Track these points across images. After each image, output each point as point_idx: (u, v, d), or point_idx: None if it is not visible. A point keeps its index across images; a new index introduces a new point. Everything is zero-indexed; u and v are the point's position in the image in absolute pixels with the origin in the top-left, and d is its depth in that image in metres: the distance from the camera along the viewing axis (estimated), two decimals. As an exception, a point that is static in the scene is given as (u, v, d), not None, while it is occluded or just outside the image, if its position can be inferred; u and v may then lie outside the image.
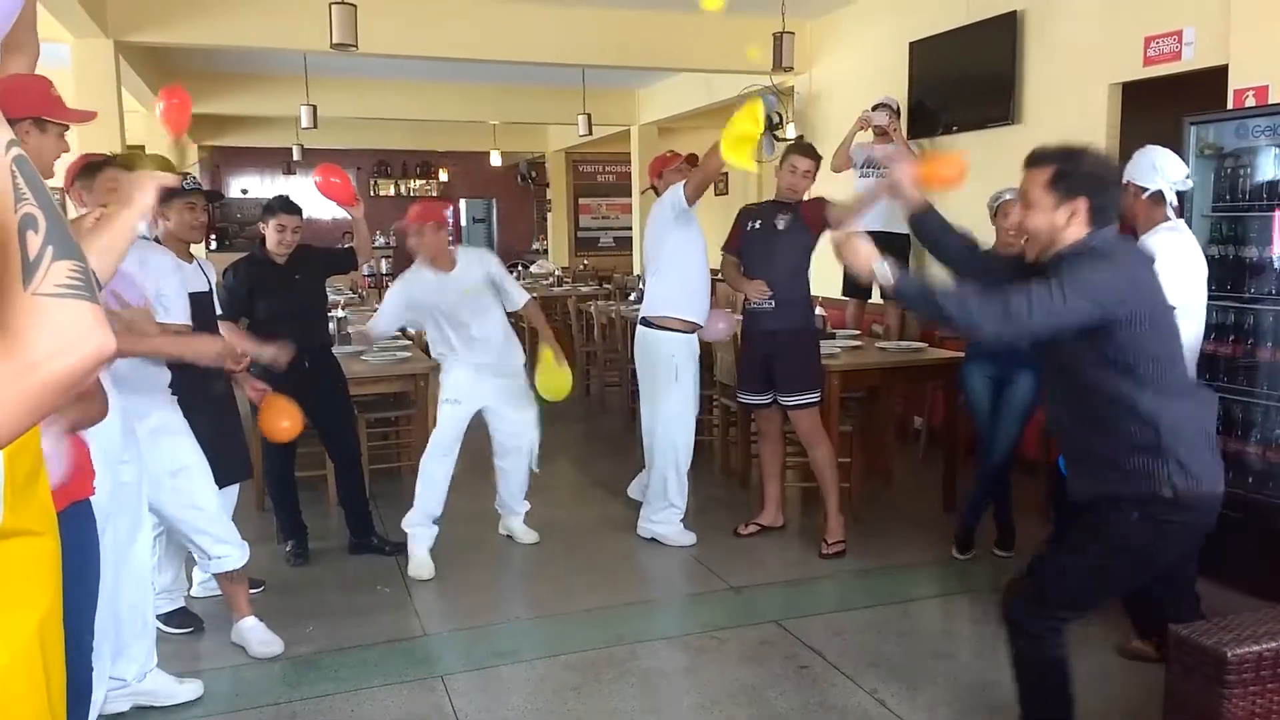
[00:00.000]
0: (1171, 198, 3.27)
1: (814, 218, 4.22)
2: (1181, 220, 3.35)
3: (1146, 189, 3.28)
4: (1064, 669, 2.40)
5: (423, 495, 4.21)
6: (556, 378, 4.21)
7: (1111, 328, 2.17)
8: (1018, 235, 4.19)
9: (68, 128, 2.51)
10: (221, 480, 3.40)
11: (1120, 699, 3.03)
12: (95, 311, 0.86)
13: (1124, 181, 3.37)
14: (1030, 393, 4.05)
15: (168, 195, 2.99)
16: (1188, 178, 3.35)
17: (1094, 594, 2.42)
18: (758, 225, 4.34)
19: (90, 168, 3.09)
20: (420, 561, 4.18)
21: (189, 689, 3.11)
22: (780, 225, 4.26)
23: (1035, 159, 2.28)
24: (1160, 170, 3.28)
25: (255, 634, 3.42)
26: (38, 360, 0.83)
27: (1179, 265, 3.17)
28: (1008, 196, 4.24)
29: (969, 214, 5.86)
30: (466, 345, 4.18)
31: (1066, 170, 2.23)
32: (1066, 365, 2.32)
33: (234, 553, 3.31)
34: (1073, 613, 2.39)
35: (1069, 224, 2.23)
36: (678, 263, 4.36)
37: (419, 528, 4.21)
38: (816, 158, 4.36)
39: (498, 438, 4.42)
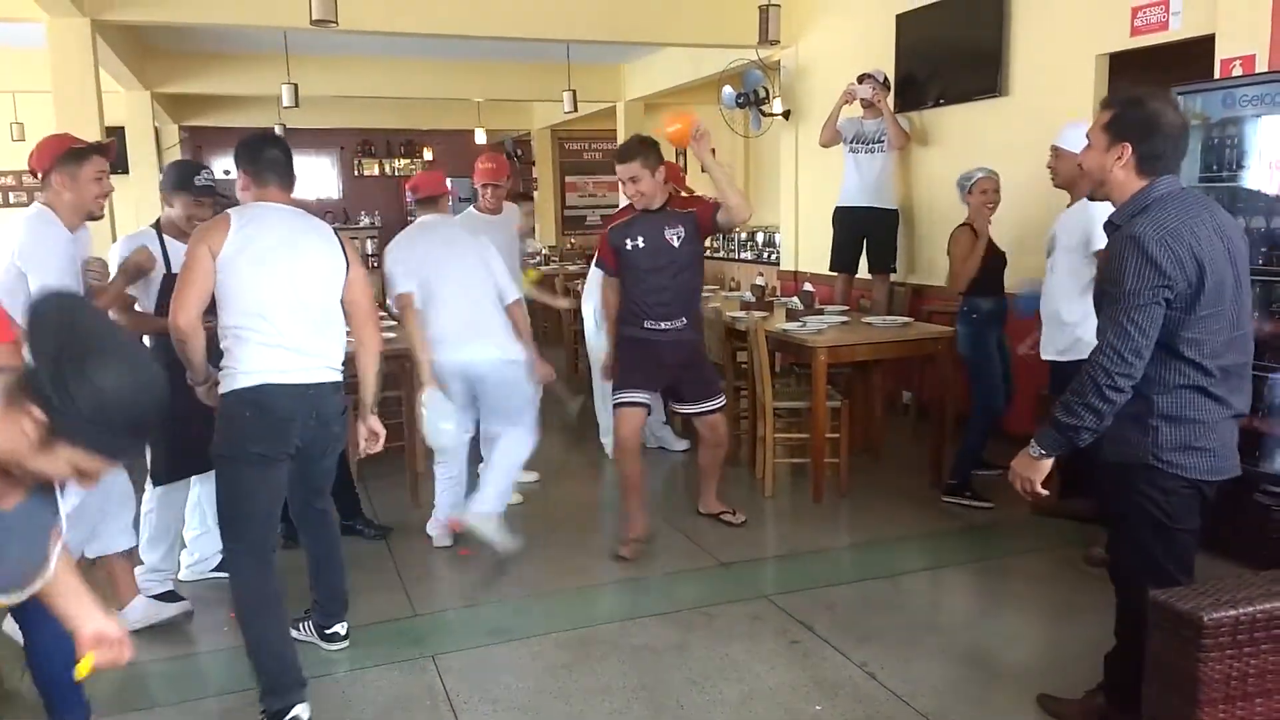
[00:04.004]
0: None
1: (705, 220, 3.93)
2: None
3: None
4: None
5: None
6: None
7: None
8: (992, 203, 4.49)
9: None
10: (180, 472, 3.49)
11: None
12: None
13: (1056, 149, 3.75)
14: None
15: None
16: None
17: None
18: (640, 243, 3.94)
19: (75, 154, 3.05)
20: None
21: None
22: (673, 239, 3.94)
23: (1104, 102, 2.41)
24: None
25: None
26: None
27: None
28: (980, 175, 4.38)
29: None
30: None
31: (1120, 114, 2.33)
32: None
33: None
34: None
35: (1114, 166, 2.34)
36: None
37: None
38: (636, 155, 3.81)
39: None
